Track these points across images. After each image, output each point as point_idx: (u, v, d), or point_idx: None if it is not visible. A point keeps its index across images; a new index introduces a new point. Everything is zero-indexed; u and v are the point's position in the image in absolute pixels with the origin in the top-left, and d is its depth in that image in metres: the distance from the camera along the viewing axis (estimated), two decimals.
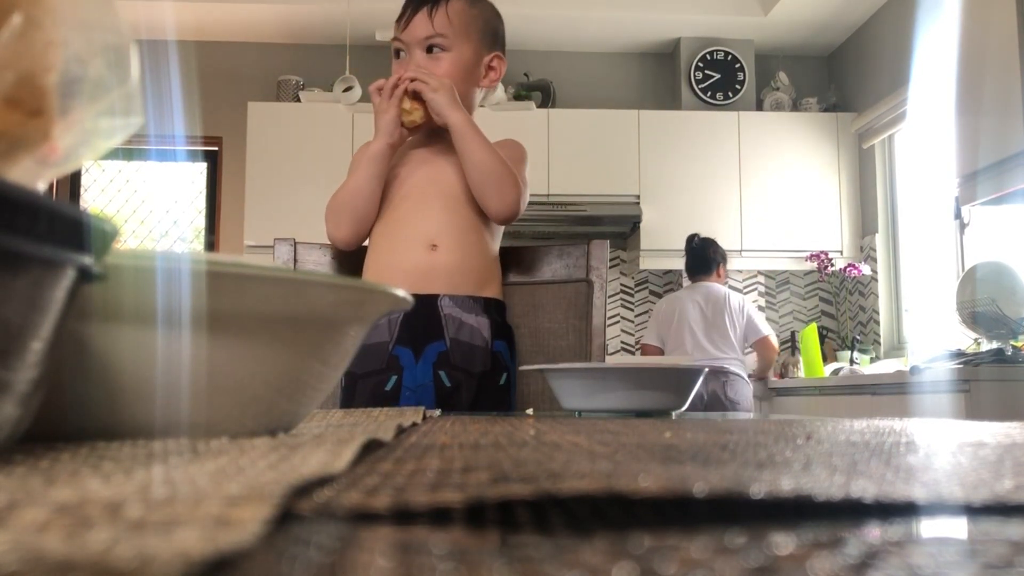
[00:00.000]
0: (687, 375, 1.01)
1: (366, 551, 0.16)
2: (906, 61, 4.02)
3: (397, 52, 1.43)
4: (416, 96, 1.36)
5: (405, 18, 1.41)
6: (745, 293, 4.88)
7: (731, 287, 4.84)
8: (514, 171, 1.41)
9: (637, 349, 4.90)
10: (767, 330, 3.84)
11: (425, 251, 1.37)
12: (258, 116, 4.51)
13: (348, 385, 1.35)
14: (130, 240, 4.86)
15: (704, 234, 4.02)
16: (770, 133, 4.70)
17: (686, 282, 4.09)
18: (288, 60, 4.86)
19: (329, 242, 1.46)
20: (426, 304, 1.34)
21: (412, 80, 1.35)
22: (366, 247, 1.45)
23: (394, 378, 1.34)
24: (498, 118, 4.15)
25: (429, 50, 1.40)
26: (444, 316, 1.35)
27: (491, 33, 1.45)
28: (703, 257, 3.90)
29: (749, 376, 3.79)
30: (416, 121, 1.38)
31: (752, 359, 4.00)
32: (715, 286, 3.84)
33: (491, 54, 1.45)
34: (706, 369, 1.04)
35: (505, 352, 1.40)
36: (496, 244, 1.46)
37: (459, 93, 1.39)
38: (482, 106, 1.56)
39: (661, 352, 3.86)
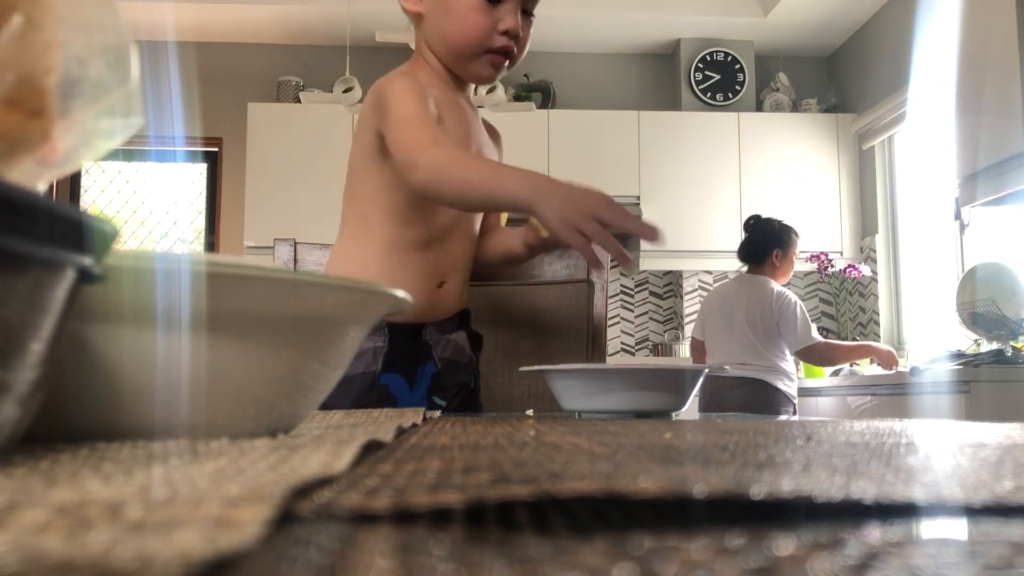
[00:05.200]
0: (686, 376, 1.01)
1: (366, 552, 0.16)
2: (906, 61, 4.02)
3: None
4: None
5: None
6: None
7: None
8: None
9: (638, 350, 4.90)
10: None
11: (433, 289, 1.28)
12: (258, 117, 4.51)
13: None
14: (130, 241, 4.86)
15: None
16: (770, 134, 4.70)
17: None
18: (288, 61, 4.86)
19: (404, 172, 1.13)
20: (413, 333, 1.28)
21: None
22: (367, 251, 1.32)
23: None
24: (498, 118, 4.13)
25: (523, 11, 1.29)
26: (429, 341, 1.30)
27: None
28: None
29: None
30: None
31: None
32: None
33: None
34: (706, 370, 1.04)
35: (476, 357, 1.36)
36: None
37: None
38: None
39: (703, 347, 3.37)
